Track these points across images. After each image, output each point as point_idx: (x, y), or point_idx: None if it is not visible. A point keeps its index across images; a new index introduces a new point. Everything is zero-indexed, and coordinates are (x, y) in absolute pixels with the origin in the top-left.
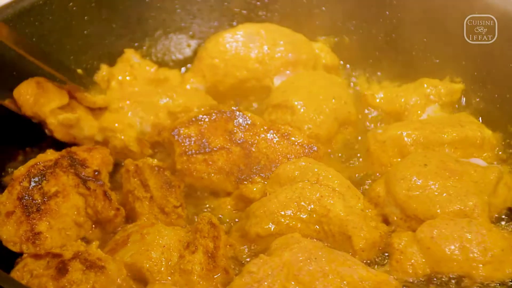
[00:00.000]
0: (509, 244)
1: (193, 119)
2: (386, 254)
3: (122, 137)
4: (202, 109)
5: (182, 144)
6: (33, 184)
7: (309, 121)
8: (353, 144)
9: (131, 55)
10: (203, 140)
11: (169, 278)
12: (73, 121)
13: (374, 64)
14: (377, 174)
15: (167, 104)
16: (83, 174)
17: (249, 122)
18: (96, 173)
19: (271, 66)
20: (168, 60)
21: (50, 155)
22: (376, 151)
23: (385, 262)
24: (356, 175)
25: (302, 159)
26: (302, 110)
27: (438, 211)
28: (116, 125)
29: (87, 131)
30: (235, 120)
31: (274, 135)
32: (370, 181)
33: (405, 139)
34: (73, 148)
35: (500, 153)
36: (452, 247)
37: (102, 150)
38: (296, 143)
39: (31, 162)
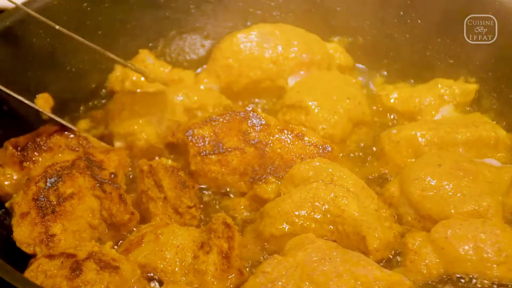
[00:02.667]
0: None
1: (207, 119)
2: (400, 254)
3: (145, 135)
4: (216, 109)
5: (196, 144)
6: (48, 185)
7: (323, 121)
8: (367, 144)
9: (145, 56)
10: (217, 141)
11: (183, 278)
12: None
13: (388, 64)
14: (391, 174)
15: (183, 102)
16: (99, 176)
17: (263, 123)
18: (113, 175)
19: (285, 66)
20: (183, 60)
21: (67, 155)
22: (390, 151)
23: (399, 263)
24: (370, 175)
25: (316, 159)
26: (316, 110)
27: (452, 211)
28: (135, 127)
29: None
30: (249, 121)
31: (288, 135)
32: (384, 182)
33: (419, 139)
34: (91, 150)
35: None
36: (466, 247)
37: (119, 152)
38: (310, 144)
39: (47, 162)
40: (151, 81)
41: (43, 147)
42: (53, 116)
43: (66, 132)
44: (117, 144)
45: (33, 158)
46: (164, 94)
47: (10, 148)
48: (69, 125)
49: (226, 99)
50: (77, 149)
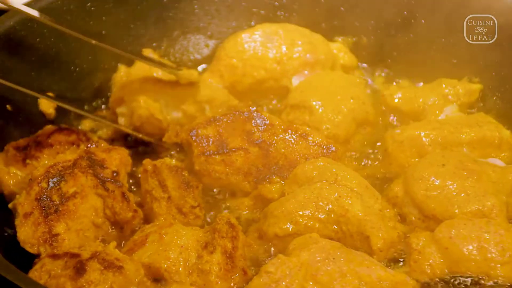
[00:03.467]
0: None
1: (211, 119)
2: (404, 254)
3: (148, 105)
4: (220, 110)
5: (200, 144)
6: (51, 185)
7: (327, 121)
8: (371, 144)
9: (149, 55)
10: (221, 141)
11: (187, 278)
12: None
13: (392, 64)
14: (395, 174)
15: (192, 94)
16: (101, 175)
17: (267, 123)
18: (115, 174)
19: (289, 66)
20: (186, 60)
21: (69, 155)
22: (394, 151)
23: (403, 262)
24: (374, 175)
25: (320, 159)
26: (320, 110)
27: (456, 211)
28: (141, 96)
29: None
30: (253, 121)
31: (292, 135)
32: (388, 181)
33: (423, 139)
34: (92, 149)
35: None
36: (470, 247)
37: (121, 150)
38: (314, 143)
39: (49, 162)
40: (184, 80)
41: (43, 145)
42: (65, 105)
43: (65, 131)
44: (120, 109)
45: (35, 155)
46: (198, 88)
47: (12, 149)
48: (82, 112)
49: (234, 99)
50: (77, 144)
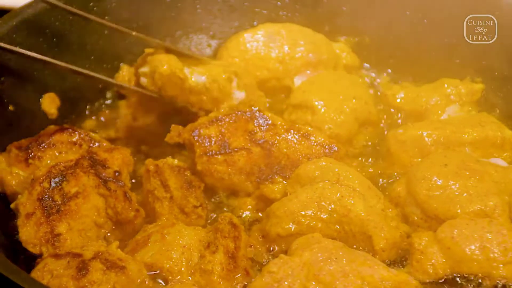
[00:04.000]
0: None
1: (213, 119)
2: (407, 254)
3: (170, 64)
4: (222, 110)
5: (202, 144)
6: (53, 184)
7: (330, 121)
8: (373, 144)
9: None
10: (224, 141)
11: (189, 278)
12: None
13: (395, 64)
14: (398, 174)
15: (222, 64)
16: (103, 174)
17: (269, 122)
18: (117, 173)
19: (291, 66)
20: None
21: (71, 155)
22: (397, 151)
23: (405, 262)
24: (377, 175)
25: (322, 159)
26: (322, 110)
27: (459, 211)
28: (164, 56)
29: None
30: (255, 120)
31: (295, 135)
32: (390, 181)
33: (426, 139)
34: (94, 148)
35: None
36: (473, 247)
37: (123, 150)
38: (316, 143)
39: (52, 162)
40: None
41: (45, 144)
42: (93, 74)
43: (67, 131)
44: (142, 70)
45: (38, 155)
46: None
47: (14, 149)
48: (108, 79)
49: (260, 91)
50: (79, 144)
